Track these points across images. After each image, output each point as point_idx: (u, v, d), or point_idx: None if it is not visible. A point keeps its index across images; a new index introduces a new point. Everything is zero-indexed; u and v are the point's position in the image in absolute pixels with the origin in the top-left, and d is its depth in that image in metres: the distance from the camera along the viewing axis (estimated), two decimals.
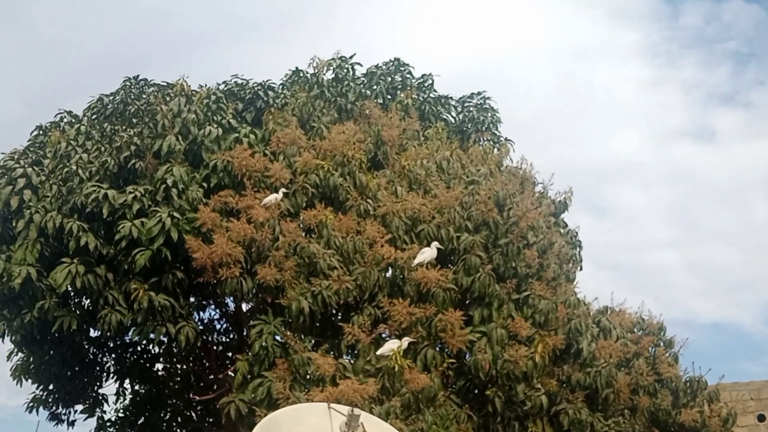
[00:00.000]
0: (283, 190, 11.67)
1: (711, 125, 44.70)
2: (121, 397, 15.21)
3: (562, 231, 14.11)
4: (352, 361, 10.80)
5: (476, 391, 11.68)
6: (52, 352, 13.61)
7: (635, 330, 13.35)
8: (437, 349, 11.28)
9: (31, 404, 14.32)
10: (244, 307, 13.84)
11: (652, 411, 12.27)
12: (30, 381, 14.07)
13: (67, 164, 12.35)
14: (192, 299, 13.22)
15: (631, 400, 12.35)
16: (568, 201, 14.22)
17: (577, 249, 14.28)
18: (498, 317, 11.49)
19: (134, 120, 13.10)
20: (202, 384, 14.94)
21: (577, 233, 14.42)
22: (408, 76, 15.30)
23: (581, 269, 14.25)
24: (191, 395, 15.01)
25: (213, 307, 14.55)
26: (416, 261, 11.14)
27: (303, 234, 11.67)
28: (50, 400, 14.47)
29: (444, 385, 11.24)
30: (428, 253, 11.14)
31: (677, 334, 13.55)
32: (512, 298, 11.73)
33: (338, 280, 10.97)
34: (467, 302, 11.81)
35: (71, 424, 14.88)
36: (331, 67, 14.48)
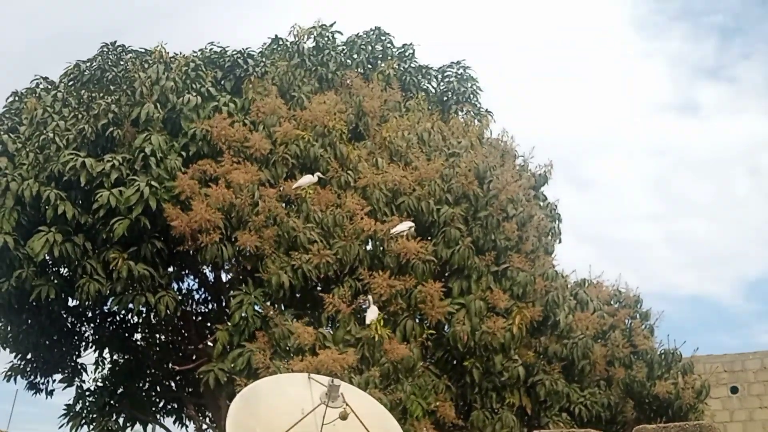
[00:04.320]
0: (319, 174, 11.64)
1: (695, 99, 44.94)
2: (100, 367, 15.16)
3: (541, 204, 14.19)
4: (332, 332, 10.85)
5: (455, 362, 11.79)
6: (30, 321, 13.53)
7: (612, 302, 13.48)
8: (416, 320, 11.36)
9: (9, 373, 14.26)
10: (224, 277, 13.84)
11: (627, 382, 12.43)
12: (8, 350, 14.02)
13: (44, 131, 12.15)
14: (171, 269, 13.16)
15: (606, 372, 12.51)
16: (549, 174, 14.29)
17: (556, 222, 14.37)
18: (477, 289, 11.57)
19: (112, 87, 12.90)
20: (181, 354, 14.94)
21: (556, 206, 14.52)
22: (389, 45, 15.18)
23: (560, 242, 14.38)
24: (170, 365, 14.99)
25: (192, 276, 14.52)
26: (393, 230, 11.18)
27: (283, 205, 11.64)
28: (28, 369, 14.42)
29: (423, 355, 11.35)
30: (405, 227, 11.17)
31: (655, 306, 13.77)
32: (491, 270, 11.82)
33: (318, 254, 10.97)
34: (446, 274, 11.89)
35: (50, 393, 14.86)
36: (312, 36, 14.32)
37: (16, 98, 13.66)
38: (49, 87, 13.74)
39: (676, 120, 43.12)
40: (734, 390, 18.01)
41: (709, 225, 40.74)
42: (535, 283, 11.85)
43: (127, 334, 15.17)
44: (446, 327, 11.63)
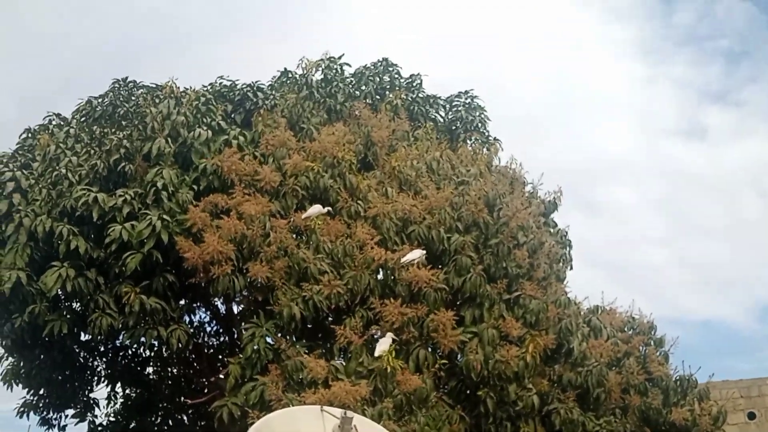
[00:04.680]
0: (329, 208, 11.71)
1: (703, 123, 44.91)
2: (113, 401, 15.19)
3: (551, 230, 14.16)
4: (344, 363, 10.81)
5: (468, 392, 11.70)
6: (42, 356, 13.57)
7: (626, 329, 13.40)
8: (429, 349, 11.30)
9: (22, 409, 14.24)
10: (235, 309, 13.84)
11: (642, 410, 12.31)
12: (20, 385, 13.99)
13: (57, 167, 12.29)
14: (183, 302, 13.19)
15: (622, 399, 12.39)
16: (558, 201, 14.27)
17: (567, 248, 14.33)
18: (489, 317, 11.51)
19: (123, 122, 13.07)
20: (193, 387, 14.91)
21: (566, 233, 14.49)
22: (396, 76, 15.29)
23: (571, 269, 14.33)
24: (183, 399, 14.96)
25: (204, 309, 14.54)
26: (405, 258, 11.18)
27: (293, 236, 11.67)
28: (41, 404, 14.39)
29: (436, 385, 11.25)
30: (416, 255, 11.17)
31: (668, 332, 13.63)
32: (503, 298, 11.76)
33: (329, 285, 10.97)
34: (458, 303, 11.83)
35: (62, 428, 14.80)
36: (320, 68, 14.46)
37: (29, 135, 13.83)
38: (62, 123, 13.92)
39: (684, 144, 43.11)
40: (751, 416, 17.78)
41: (720, 248, 40.48)
42: (547, 311, 11.77)
43: (139, 368, 15.19)
44: (459, 356, 11.55)
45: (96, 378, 14.88)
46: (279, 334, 11.06)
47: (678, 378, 12.83)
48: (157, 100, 12.98)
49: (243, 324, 11.83)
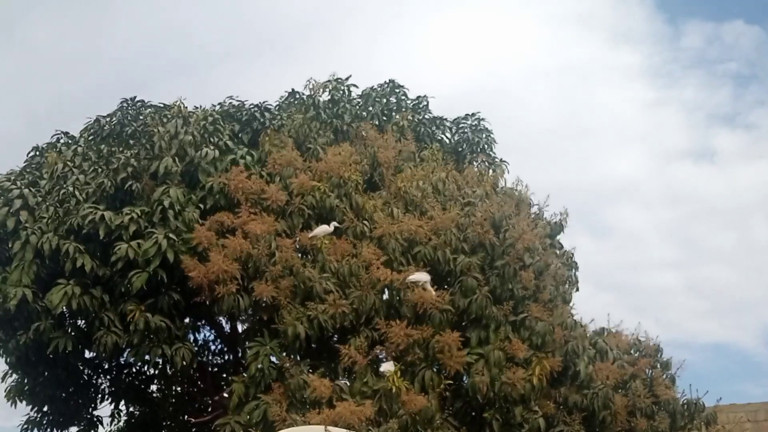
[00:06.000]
0: (335, 223, 11.72)
1: (712, 146, 44.79)
2: (116, 419, 15.14)
3: (558, 252, 14.12)
4: (348, 383, 10.77)
5: (474, 414, 11.64)
6: (46, 373, 13.54)
7: (632, 352, 13.30)
8: (434, 370, 11.26)
9: (25, 426, 14.17)
10: (240, 328, 13.84)
11: None
12: (24, 403, 13.95)
13: (64, 185, 12.36)
14: (187, 320, 13.20)
15: (628, 422, 12.27)
16: (564, 222, 14.23)
17: (573, 270, 14.28)
18: (495, 339, 11.47)
19: (131, 141, 13.14)
20: (197, 406, 14.87)
21: (573, 254, 14.45)
22: (403, 97, 15.35)
23: (577, 290, 14.25)
24: (186, 417, 14.92)
25: (208, 328, 14.54)
26: (409, 278, 11.17)
27: (299, 255, 11.69)
28: (45, 422, 14.32)
29: (441, 407, 11.20)
30: (422, 278, 11.15)
31: (678, 355, 13.45)
32: (509, 319, 11.72)
33: (334, 305, 10.97)
34: (464, 324, 11.79)
35: None
36: (327, 89, 14.53)
37: (37, 153, 13.92)
38: (70, 142, 13.99)
39: (693, 167, 43.02)
40: None
41: (730, 272, 40.25)
42: (554, 333, 11.72)
43: (143, 386, 15.17)
44: (465, 377, 11.51)
45: (100, 396, 14.82)
46: (283, 353, 11.06)
47: (685, 402, 12.74)
48: (164, 120, 13.05)
49: (247, 343, 11.82)
